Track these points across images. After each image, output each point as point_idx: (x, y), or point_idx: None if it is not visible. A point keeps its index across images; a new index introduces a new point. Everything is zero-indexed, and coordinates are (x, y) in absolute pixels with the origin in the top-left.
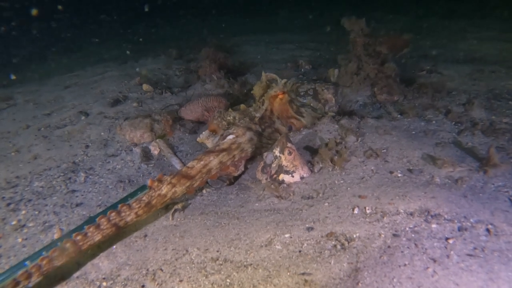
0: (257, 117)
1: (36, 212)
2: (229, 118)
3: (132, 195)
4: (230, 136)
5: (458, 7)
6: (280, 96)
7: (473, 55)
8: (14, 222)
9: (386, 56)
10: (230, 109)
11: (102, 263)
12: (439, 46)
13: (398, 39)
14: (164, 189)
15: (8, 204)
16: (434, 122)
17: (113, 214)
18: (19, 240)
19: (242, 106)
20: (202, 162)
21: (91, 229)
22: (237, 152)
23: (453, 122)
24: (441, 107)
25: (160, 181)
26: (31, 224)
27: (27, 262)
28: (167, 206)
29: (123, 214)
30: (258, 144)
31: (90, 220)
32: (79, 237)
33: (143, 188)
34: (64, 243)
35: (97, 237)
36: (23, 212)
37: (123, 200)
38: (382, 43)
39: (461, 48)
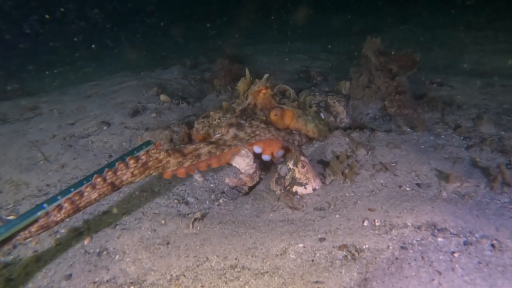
0: (239, 109)
1: (67, 219)
2: (214, 122)
3: (137, 149)
4: (217, 135)
5: (472, 19)
6: (263, 91)
7: (484, 68)
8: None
9: (397, 71)
10: (212, 112)
11: (129, 268)
12: (450, 58)
13: (409, 57)
14: (162, 155)
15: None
16: (443, 136)
17: (109, 173)
18: (53, 245)
19: (225, 103)
20: (194, 146)
21: (88, 189)
22: (225, 147)
23: (462, 137)
24: (451, 121)
25: (159, 148)
26: (63, 231)
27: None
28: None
29: (119, 172)
30: (247, 136)
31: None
32: (76, 197)
33: (148, 143)
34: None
35: (94, 196)
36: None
37: (130, 153)
38: (393, 61)
39: (472, 61)
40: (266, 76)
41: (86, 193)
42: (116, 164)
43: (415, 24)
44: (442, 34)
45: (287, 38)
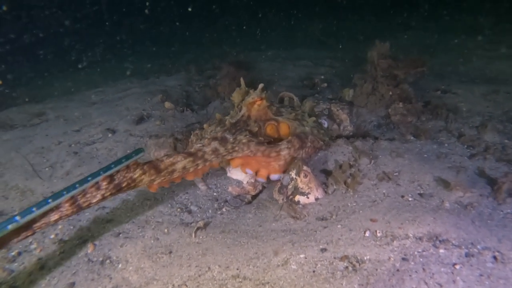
0: (230, 122)
1: (72, 227)
2: (206, 135)
3: (127, 157)
4: (199, 145)
5: (475, 22)
6: (258, 103)
7: (489, 74)
8: (52, 236)
9: (402, 79)
10: (205, 125)
11: (132, 277)
12: (455, 64)
13: (418, 61)
14: (137, 173)
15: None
16: (446, 145)
17: (79, 195)
18: (57, 253)
19: (218, 115)
20: (171, 159)
21: (52, 211)
22: (201, 161)
23: (466, 146)
24: (454, 129)
25: (136, 164)
26: (67, 238)
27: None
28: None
29: (88, 195)
30: (225, 152)
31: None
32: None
33: (138, 151)
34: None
35: (54, 218)
36: (60, 227)
37: (118, 162)
38: (400, 67)
39: (477, 67)
40: (261, 86)
41: (48, 214)
42: (88, 185)
43: (419, 30)
44: (446, 40)
45: (292, 44)
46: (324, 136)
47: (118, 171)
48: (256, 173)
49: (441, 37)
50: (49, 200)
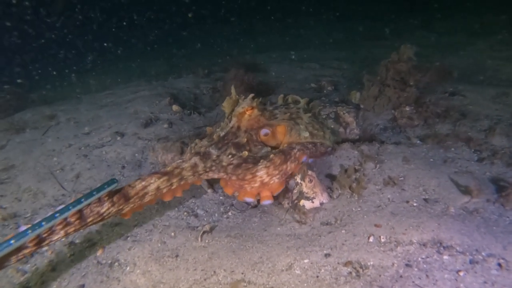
0: (218, 136)
1: (81, 230)
2: (202, 149)
3: (98, 189)
4: (179, 161)
5: (486, 22)
6: (248, 112)
7: (499, 76)
8: (63, 239)
9: (411, 81)
10: (197, 140)
11: (140, 280)
12: (464, 66)
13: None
14: (105, 207)
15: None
16: (453, 149)
17: (45, 232)
18: (68, 255)
19: (208, 128)
20: (143, 183)
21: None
22: (176, 180)
23: (473, 150)
24: (461, 133)
25: (107, 196)
26: (77, 241)
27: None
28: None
29: (55, 229)
30: (202, 170)
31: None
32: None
33: (111, 182)
34: None
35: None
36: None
37: (88, 196)
38: (413, 74)
39: (487, 68)
40: (251, 95)
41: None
42: (56, 221)
43: (429, 31)
44: (456, 40)
45: (300, 45)
46: (319, 131)
47: (88, 205)
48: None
49: (450, 38)
50: (11, 241)
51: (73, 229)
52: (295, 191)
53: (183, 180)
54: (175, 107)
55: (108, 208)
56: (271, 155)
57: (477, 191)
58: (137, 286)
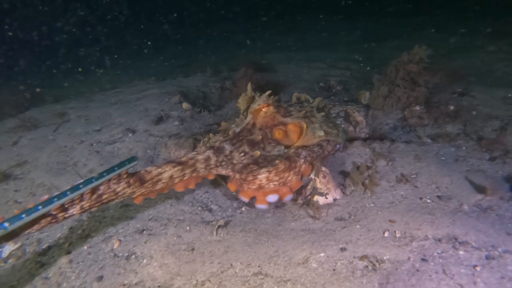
0: (234, 132)
1: (98, 223)
2: (216, 143)
3: (119, 165)
4: (193, 153)
5: (494, 24)
6: (264, 109)
7: (509, 77)
8: (80, 231)
9: (421, 81)
10: (211, 134)
11: (157, 273)
12: (473, 67)
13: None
14: (121, 186)
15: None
16: (464, 148)
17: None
18: (85, 247)
19: (223, 123)
20: (158, 170)
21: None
22: (189, 171)
23: (484, 149)
24: (472, 132)
25: (120, 179)
26: (93, 234)
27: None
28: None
29: (72, 205)
30: (214, 164)
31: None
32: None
33: (131, 159)
34: None
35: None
36: (86, 223)
37: (110, 170)
38: (423, 74)
39: (496, 70)
40: (267, 92)
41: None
42: (77, 194)
43: (437, 32)
44: (465, 42)
45: (305, 46)
46: (333, 129)
47: (102, 183)
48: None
49: (457, 39)
50: (39, 207)
51: (88, 204)
52: (308, 187)
53: (195, 172)
54: (185, 105)
55: (124, 188)
56: (277, 161)
57: (491, 189)
58: (154, 278)
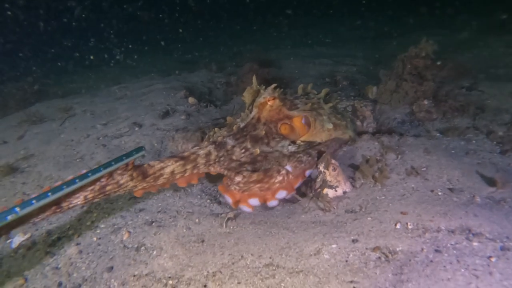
0: (238, 127)
1: (106, 215)
2: (219, 138)
3: (127, 155)
4: (196, 148)
5: (500, 20)
6: (270, 103)
7: None
8: (88, 223)
9: (427, 76)
10: (216, 128)
11: (167, 264)
12: (480, 62)
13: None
14: (124, 178)
15: (82, 207)
16: (474, 141)
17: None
18: (94, 239)
19: (229, 118)
20: (161, 165)
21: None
22: (190, 167)
23: (495, 142)
24: (482, 126)
25: (125, 170)
26: (102, 226)
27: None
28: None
29: (74, 195)
30: (213, 160)
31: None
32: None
33: (139, 149)
34: None
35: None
36: (95, 214)
37: (118, 160)
38: (430, 69)
39: (504, 65)
40: (273, 85)
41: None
42: (85, 182)
43: (442, 28)
44: (470, 38)
45: (311, 42)
46: (342, 121)
47: (110, 173)
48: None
49: (463, 35)
50: (49, 194)
51: (92, 195)
52: (318, 179)
53: (196, 168)
54: (191, 100)
55: (127, 181)
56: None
57: (501, 183)
58: (165, 269)
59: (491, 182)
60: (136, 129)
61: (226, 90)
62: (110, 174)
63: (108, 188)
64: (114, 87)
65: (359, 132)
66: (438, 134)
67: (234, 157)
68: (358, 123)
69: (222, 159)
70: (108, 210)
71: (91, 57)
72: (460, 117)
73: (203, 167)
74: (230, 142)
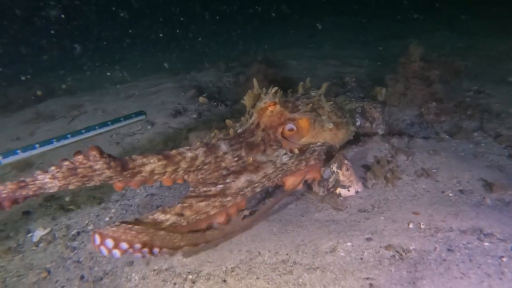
0: (235, 132)
1: (124, 212)
2: (213, 140)
3: (126, 117)
4: (185, 148)
5: (505, 24)
6: (271, 108)
7: None
8: (107, 219)
9: (434, 79)
10: (216, 130)
11: (186, 259)
12: (487, 66)
13: (451, 65)
14: (98, 165)
15: (100, 203)
16: (483, 144)
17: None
18: None
19: (228, 121)
20: (143, 160)
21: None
22: (170, 170)
23: (503, 146)
24: (490, 129)
25: (101, 157)
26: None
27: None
28: None
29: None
30: (198, 163)
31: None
32: None
33: (140, 113)
34: None
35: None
36: (113, 210)
37: (115, 120)
38: (435, 68)
39: (510, 68)
40: (273, 89)
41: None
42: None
43: (448, 30)
44: (476, 41)
45: (315, 43)
46: (342, 118)
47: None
48: None
49: (470, 38)
50: (36, 146)
51: (61, 176)
52: (331, 179)
53: (175, 173)
54: (202, 99)
55: (102, 168)
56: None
57: (499, 187)
58: (184, 264)
59: (488, 186)
60: (149, 127)
61: (235, 90)
62: (86, 157)
63: (79, 171)
64: (122, 86)
65: (369, 133)
66: (447, 137)
67: (223, 164)
68: (368, 124)
69: (205, 167)
70: (125, 207)
71: (95, 55)
72: (468, 120)
73: (182, 173)
74: (223, 147)
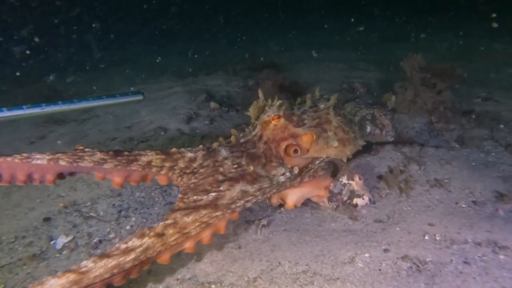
0: (237, 141)
1: (144, 220)
2: (215, 144)
3: (122, 95)
4: (188, 148)
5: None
6: (275, 121)
7: None
8: (128, 227)
9: (442, 86)
10: (221, 138)
11: (208, 269)
12: (493, 71)
13: (450, 72)
14: (97, 155)
15: (120, 211)
16: (493, 154)
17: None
18: None
19: (233, 130)
20: (140, 152)
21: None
22: (167, 166)
23: None
24: (500, 138)
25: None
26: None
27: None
28: None
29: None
30: (196, 166)
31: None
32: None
33: (137, 93)
34: None
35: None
36: (133, 219)
37: (111, 96)
38: (437, 75)
39: None
40: (278, 102)
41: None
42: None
43: (452, 35)
44: (480, 46)
45: (321, 46)
46: (350, 134)
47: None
48: None
49: (474, 43)
50: (23, 107)
51: (65, 161)
52: (344, 192)
53: (171, 170)
54: (213, 104)
55: (93, 151)
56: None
57: (511, 199)
58: (206, 274)
59: (499, 196)
60: (162, 133)
61: (245, 94)
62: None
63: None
64: (130, 89)
65: (380, 142)
66: (457, 146)
67: (221, 169)
68: (377, 131)
69: (201, 170)
70: (145, 215)
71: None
72: (478, 128)
73: (178, 172)
74: (223, 153)
